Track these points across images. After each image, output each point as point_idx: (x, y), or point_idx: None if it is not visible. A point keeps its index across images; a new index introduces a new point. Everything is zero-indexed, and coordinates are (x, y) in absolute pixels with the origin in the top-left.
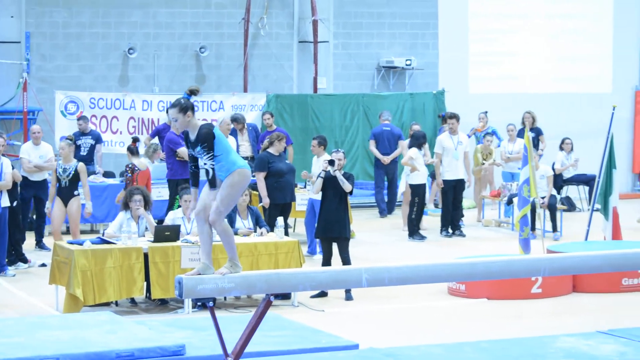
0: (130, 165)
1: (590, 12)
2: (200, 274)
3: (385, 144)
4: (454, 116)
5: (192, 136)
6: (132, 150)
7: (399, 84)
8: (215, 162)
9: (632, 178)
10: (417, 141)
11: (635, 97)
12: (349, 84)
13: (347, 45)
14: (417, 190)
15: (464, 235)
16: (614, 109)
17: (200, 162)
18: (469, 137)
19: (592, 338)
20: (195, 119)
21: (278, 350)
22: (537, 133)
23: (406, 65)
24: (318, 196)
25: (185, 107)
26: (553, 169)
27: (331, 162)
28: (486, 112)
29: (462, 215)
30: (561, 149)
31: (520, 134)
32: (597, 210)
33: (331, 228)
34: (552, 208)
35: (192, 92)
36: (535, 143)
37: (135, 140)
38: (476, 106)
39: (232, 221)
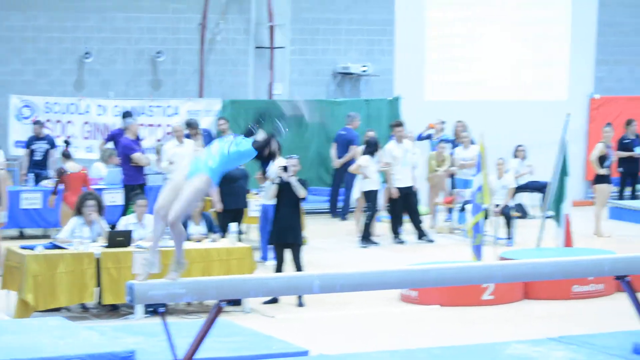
0: (59, 169)
1: (547, 20)
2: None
3: (340, 148)
4: (400, 124)
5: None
6: (65, 154)
7: (355, 90)
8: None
9: (584, 185)
10: (370, 148)
11: (590, 104)
12: (305, 89)
13: (303, 51)
14: (369, 197)
15: (432, 241)
16: (568, 117)
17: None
18: (421, 137)
19: (542, 345)
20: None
21: (229, 357)
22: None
23: (362, 71)
24: (271, 202)
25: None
26: None
27: (285, 168)
28: (443, 121)
29: (421, 222)
30: (515, 156)
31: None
32: (550, 217)
33: (285, 234)
34: (507, 216)
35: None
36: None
37: (67, 143)
38: (431, 113)
39: (185, 227)
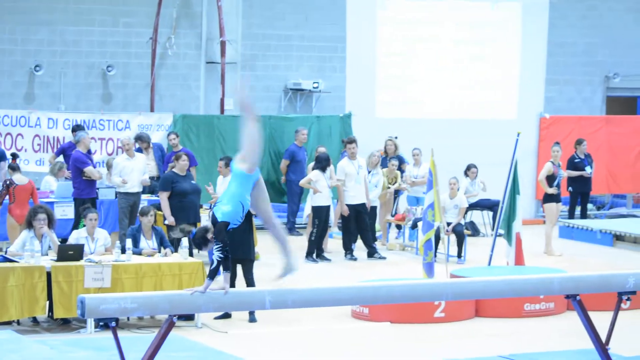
0: (5, 181)
1: (498, 40)
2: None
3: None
4: (353, 141)
5: None
6: (12, 166)
7: (306, 106)
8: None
9: (535, 204)
10: (320, 164)
11: (540, 123)
12: (256, 105)
13: (254, 67)
14: (318, 213)
15: (384, 258)
16: (518, 136)
17: None
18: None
19: None
20: None
21: None
22: (400, 161)
23: (313, 88)
24: None
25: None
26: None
27: None
28: (396, 136)
29: (375, 239)
30: (466, 175)
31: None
32: (501, 235)
33: (236, 249)
34: (459, 235)
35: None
36: (400, 170)
37: (15, 156)
38: (382, 130)
39: (136, 241)
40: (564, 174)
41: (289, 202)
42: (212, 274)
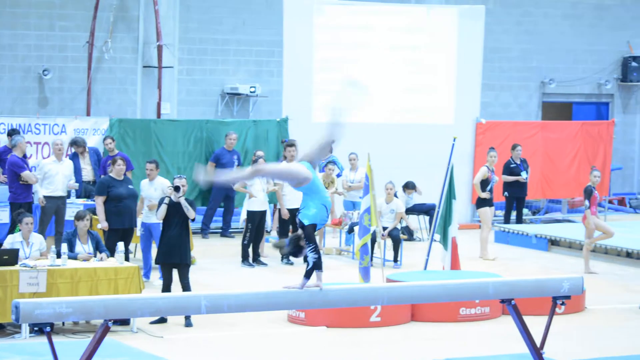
0: None
1: (434, 45)
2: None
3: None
4: (293, 144)
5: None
6: None
7: (243, 110)
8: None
9: (471, 209)
10: None
11: (476, 128)
12: (192, 109)
13: (191, 71)
14: (252, 217)
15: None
16: (454, 140)
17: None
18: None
19: None
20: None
21: None
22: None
23: (250, 92)
24: (154, 220)
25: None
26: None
27: (177, 189)
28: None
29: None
30: (404, 191)
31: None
32: (437, 240)
33: (172, 254)
34: (395, 239)
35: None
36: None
37: None
38: (319, 135)
39: (72, 245)
40: (497, 179)
41: (209, 205)
42: (308, 274)
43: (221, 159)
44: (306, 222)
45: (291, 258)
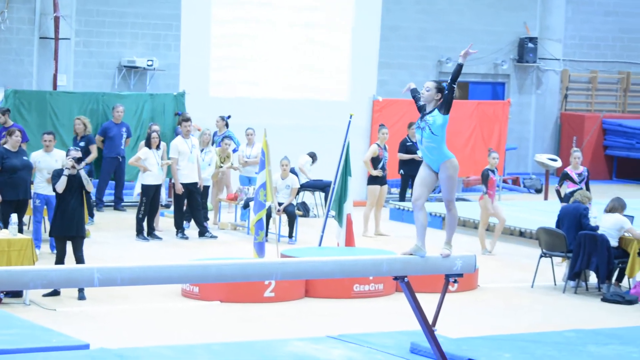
0: None
1: (332, 22)
2: (412, 254)
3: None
4: (188, 119)
5: (429, 108)
6: None
7: (140, 84)
8: (432, 140)
9: (366, 186)
10: (149, 141)
11: (373, 106)
12: (89, 82)
13: (88, 43)
14: (146, 191)
15: (215, 237)
16: (350, 118)
17: (422, 142)
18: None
19: (322, 343)
20: (436, 103)
21: (6, 349)
22: (88, 142)
23: (148, 65)
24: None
25: (441, 89)
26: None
27: (78, 160)
28: (229, 116)
29: (207, 219)
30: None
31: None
32: (332, 216)
33: (68, 226)
34: (290, 215)
35: (453, 81)
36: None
37: None
38: (216, 109)
39: None
40: (387, 156)
41: (100, 177)
42: None
43: (109, 132)
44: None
45: (186, 232)
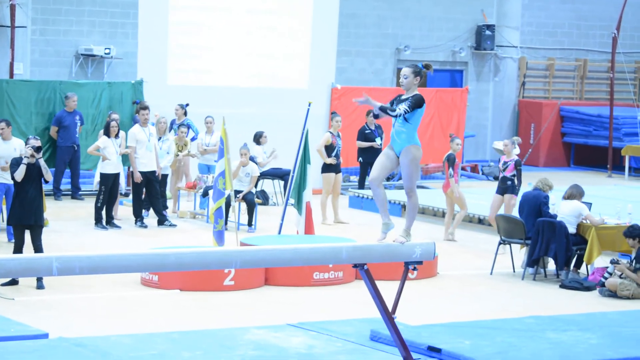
0: None
1: (290, 10)
2: (385, 236)
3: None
4: (146, 107)
5: (405, 96)
6: None
7: (98, 72)
8: (403, 125)
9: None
10: (108, 129)
11: (332, 94)
12: (46, 70)
13: (45, 32)
14: (105, 180)
15: (175, 226)
16: (309, 105)
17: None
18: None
19: (282, 330)
20: (416, 87)
21: None
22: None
23: (105, 53)
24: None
25: (418, 73)
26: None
27: (38, 149)
28: (187, 104)
29: (166, 207)
30: (258, 142)
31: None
32: (291, 204)
33: (27, 215)
34: (250, 203)
35: (427, 67)
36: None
37: None
38: (174, 98)
39: None
40: (341, 144)
41: (56, 167)
42: None
43: (63, 121)
44: None
45: (145, 221)
